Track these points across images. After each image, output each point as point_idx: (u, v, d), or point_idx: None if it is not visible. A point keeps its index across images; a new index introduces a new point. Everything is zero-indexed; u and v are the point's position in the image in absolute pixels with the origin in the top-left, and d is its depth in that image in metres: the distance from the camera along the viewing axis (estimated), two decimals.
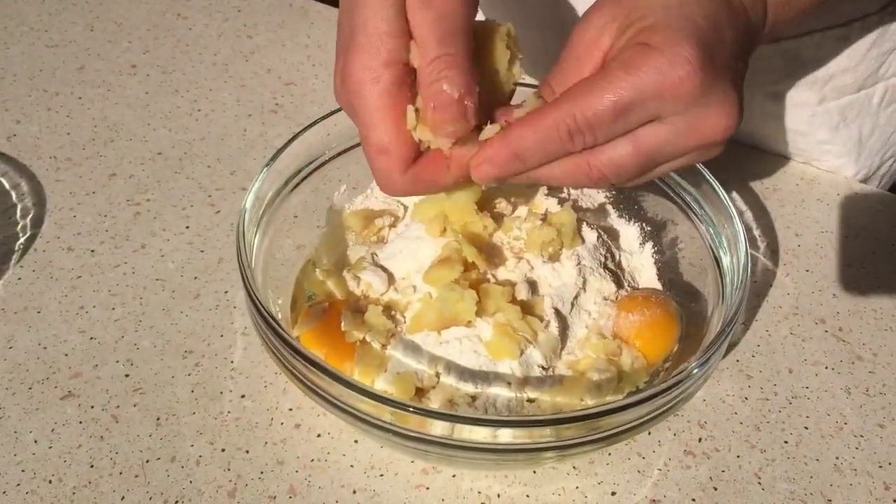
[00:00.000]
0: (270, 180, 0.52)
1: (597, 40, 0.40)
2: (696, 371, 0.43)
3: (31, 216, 0.62)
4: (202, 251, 0.61)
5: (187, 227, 0.62)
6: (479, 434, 0.41)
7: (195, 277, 0.59)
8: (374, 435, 0.44)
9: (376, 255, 0.53)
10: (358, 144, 0.53)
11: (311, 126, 0.54)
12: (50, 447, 0.49)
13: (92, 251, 0.60)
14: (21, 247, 0.60)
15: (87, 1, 0.85)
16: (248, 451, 0.49)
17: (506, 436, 0.41)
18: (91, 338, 0.55)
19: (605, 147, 0.40)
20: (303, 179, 0.55)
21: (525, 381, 0.47)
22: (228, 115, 0.73)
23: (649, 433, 0.51)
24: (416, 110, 0.40)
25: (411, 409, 0.41)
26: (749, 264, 0.48)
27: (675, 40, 0.38)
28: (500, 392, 0.46)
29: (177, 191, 0.65)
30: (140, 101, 0.74)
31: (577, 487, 0.48)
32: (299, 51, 0.81)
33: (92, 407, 0.51)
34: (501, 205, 0.53)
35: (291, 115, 0.73)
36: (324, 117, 0.54)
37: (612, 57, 0.40)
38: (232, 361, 0.54)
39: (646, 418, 0.43)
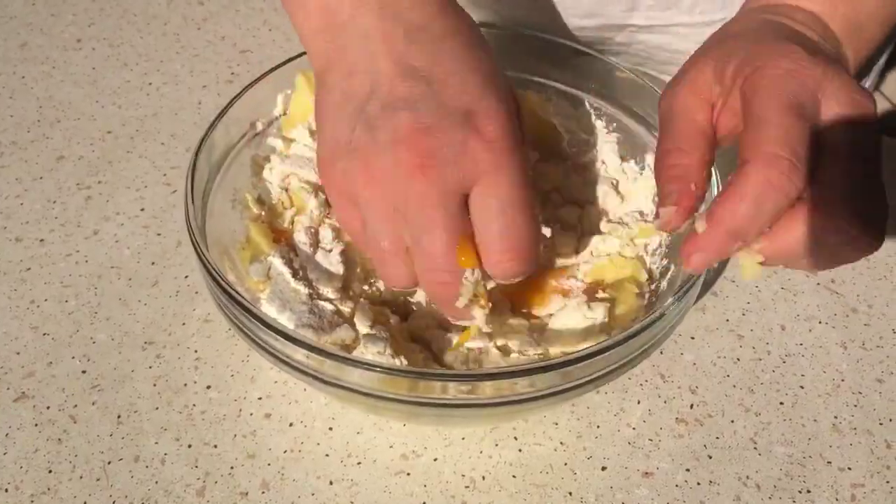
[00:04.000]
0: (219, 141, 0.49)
1: (699, 91, 0.39)
2: (672, 307, 0.40)
3: None
4: (159, 234, 0.57)
5: (142, 210, 0.59)
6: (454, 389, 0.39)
7: (153, 263, 0.56)
8: (359, 401, 0.41)
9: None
10: None
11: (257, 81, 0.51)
12: (4, 453, 0.46)
13: (41, 240, 0.57)
14: None
15: None
16: (216, 446, 0.46)
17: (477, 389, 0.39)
18: (44, 333, 0.51)
19: (816, 175, 0.36)
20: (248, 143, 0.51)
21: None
22: (181, 88, 0.69)
23: (638, 402, 0.49)
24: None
25: (402, 373, 0.39)
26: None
27: (778, 52, 0.38)
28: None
29: (129, 171, 0.62)
30: (87, 78, 0.69)
31: (565, 464, 0.46)
32: (254, 15, 0.76)
33: (48, 408, 0.48)
34: None
35: None
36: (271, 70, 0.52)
37: (728, 93, 0.38)
38: (196, 351, 0.51)
39: (632, 355, 0.40)
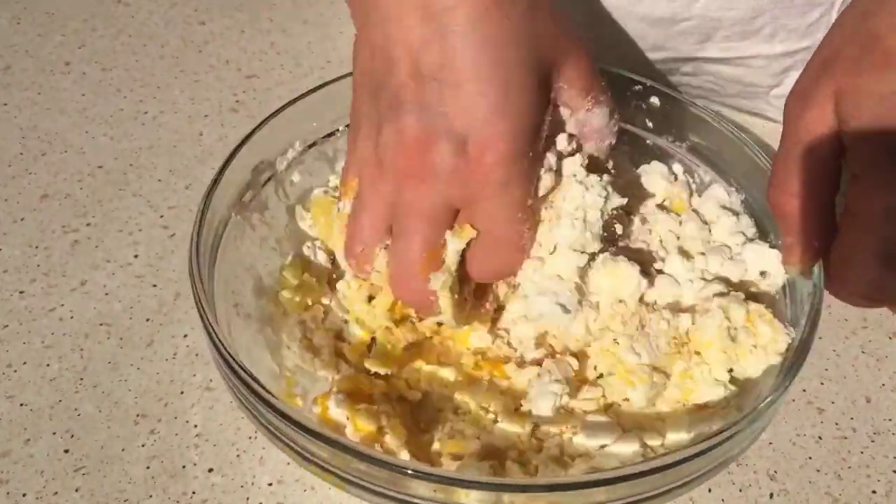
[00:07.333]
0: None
1: (824, 119, 0.37)
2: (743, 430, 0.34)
3: None
4: (155, 286, 0.51)
5: (136, 257, 0.52)
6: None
7: (147, 319, 0.49)
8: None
9: None
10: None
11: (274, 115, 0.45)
12: None
13: (21, 293, 0.50)
14: None
15: None
16: None
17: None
18: (21, 404, 0.45)
19: None
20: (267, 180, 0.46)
21: None
22: (181, 118, 0.62)
23: (710, 490, 0.42)
24: None
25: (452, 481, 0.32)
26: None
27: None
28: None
29: (122, 212, 0.55)
30: (76, 105, 0.63)
31: None
32: (260, 37, 0.70)
33: (24, 495, 0.41)
34: None
35: (255, 113, 0.63)
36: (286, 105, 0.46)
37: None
38: (195, 425, 0.44)
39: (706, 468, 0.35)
